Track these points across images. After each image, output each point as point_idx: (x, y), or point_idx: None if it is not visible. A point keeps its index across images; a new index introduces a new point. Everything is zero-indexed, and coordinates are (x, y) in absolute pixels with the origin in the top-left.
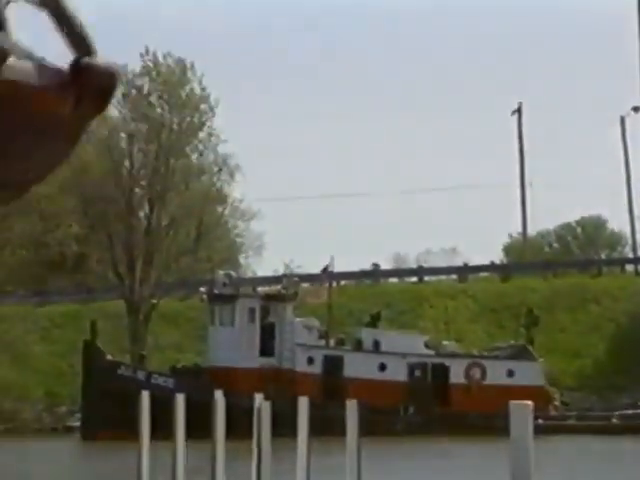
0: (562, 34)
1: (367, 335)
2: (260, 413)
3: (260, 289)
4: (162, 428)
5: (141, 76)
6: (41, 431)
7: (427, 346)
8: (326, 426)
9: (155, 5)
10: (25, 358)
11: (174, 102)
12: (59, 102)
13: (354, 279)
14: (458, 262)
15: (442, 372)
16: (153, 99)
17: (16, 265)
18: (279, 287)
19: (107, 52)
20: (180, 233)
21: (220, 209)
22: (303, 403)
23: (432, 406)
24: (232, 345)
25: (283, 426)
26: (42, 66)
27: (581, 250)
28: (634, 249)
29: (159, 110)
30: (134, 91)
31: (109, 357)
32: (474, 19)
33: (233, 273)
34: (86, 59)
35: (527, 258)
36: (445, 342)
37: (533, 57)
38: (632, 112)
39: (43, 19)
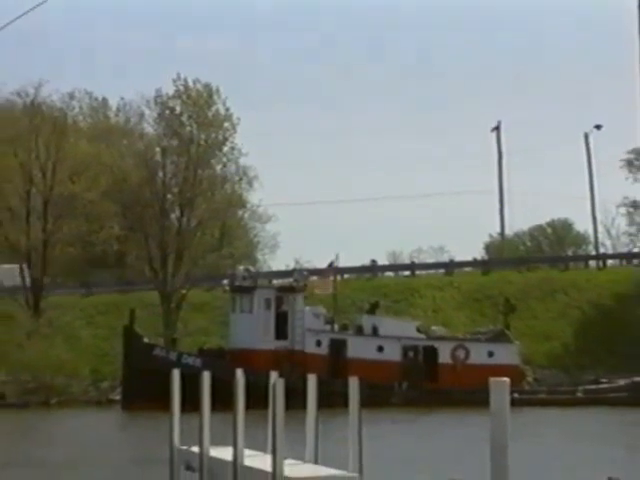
0: (535, 62)
1: (367, 321)
2: (275, 388)
3: (275, 281)
4: (190, 401)
5: (174, 99)
6: (88, 403)
7: (419, 330)
8: (332, 399)
9: (191, 38)
10: (74, 341)
11: (202, 121)
12: None
13: (356, 273)
14: (445, 258)
15: (431, 353)
16: (184, 118)
17: (66, 261)
18: (291, 280)
19: (144, 78)
20: (206, 233)
21: (240, 213)
22: (312, 380)
23: (423, 382)
24: (251, 330)
25: (295, 399)
26: None
27: (551, 248)
28: (596, 247)
29: (189, 128)
30: (167, 112)
31: (145, 340)
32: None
33: (251, 268)
34: None
35: (505, 255)
36: (434, 327)
37: (510, 81)
38: (594, 129)
39: None
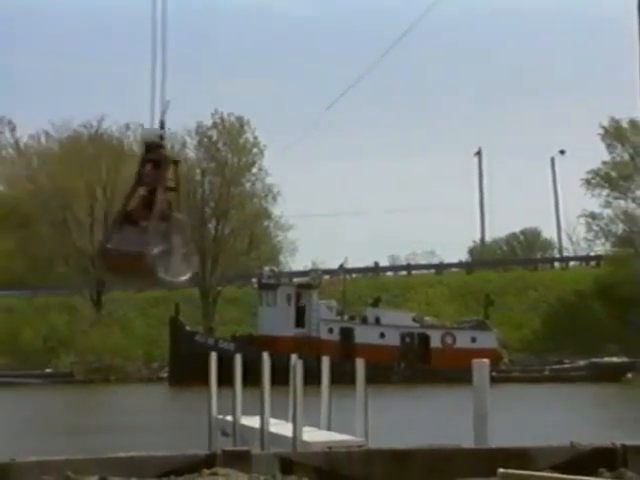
0: (513, 94)
1: (371, 313)
2: (295, 368)
3: (294, 280)
4: (225, 378)
5: (212, 129)
6: (141, 380)
7: (414, 320)
8: (342, 377)
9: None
10: (129, 329)
11: (234, 147)
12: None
13: (361, 273)
14: (436, 260)
15: (425, 339)
16: (220, 145)
17: None
18: (308, 279)
19: (188, 113)
20: (238, 240)
21: (266, 223)
22: (325, 361)
23: (418, 363)
24: (275, 320)
25: (311, 378)
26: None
27: (523, 252)
28: (560, 251)
29: (223, 153)
30: (206, 139)
31: (188, 328)
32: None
33: (275, 268)
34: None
35: (485, 257)
36: (427, 318)
37: (490, 112)
38: (559, 154)
39: None
